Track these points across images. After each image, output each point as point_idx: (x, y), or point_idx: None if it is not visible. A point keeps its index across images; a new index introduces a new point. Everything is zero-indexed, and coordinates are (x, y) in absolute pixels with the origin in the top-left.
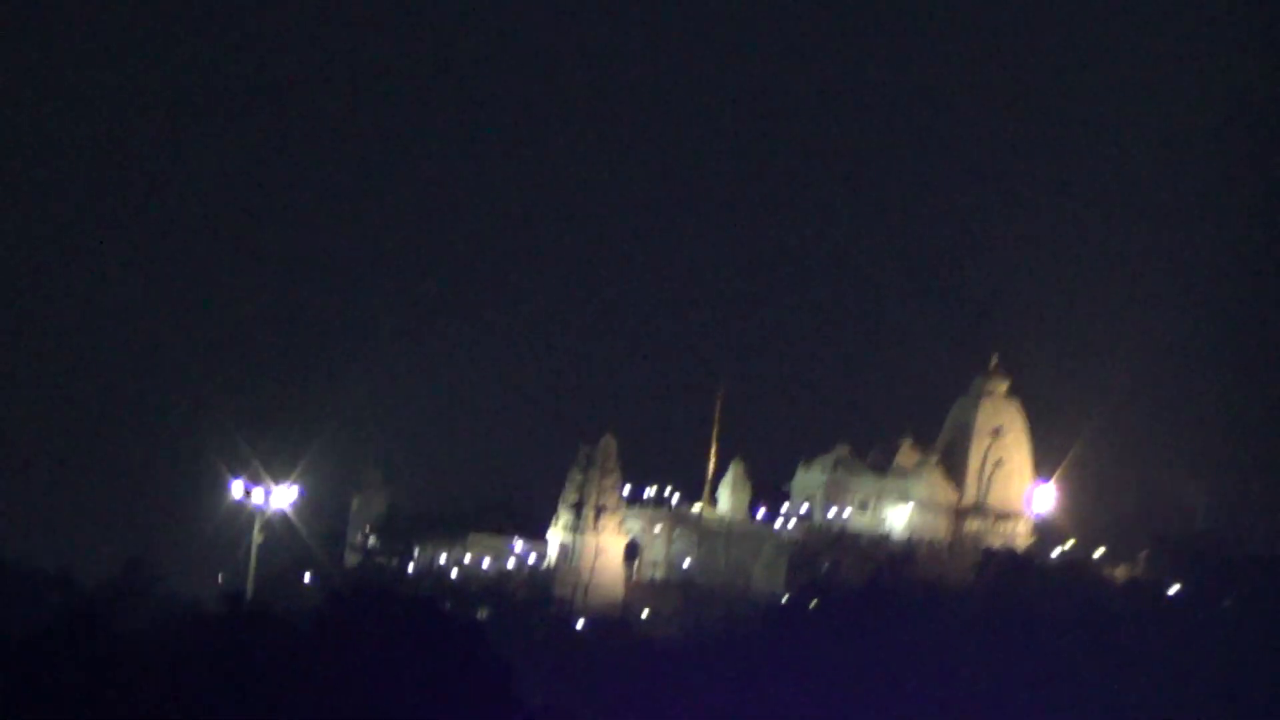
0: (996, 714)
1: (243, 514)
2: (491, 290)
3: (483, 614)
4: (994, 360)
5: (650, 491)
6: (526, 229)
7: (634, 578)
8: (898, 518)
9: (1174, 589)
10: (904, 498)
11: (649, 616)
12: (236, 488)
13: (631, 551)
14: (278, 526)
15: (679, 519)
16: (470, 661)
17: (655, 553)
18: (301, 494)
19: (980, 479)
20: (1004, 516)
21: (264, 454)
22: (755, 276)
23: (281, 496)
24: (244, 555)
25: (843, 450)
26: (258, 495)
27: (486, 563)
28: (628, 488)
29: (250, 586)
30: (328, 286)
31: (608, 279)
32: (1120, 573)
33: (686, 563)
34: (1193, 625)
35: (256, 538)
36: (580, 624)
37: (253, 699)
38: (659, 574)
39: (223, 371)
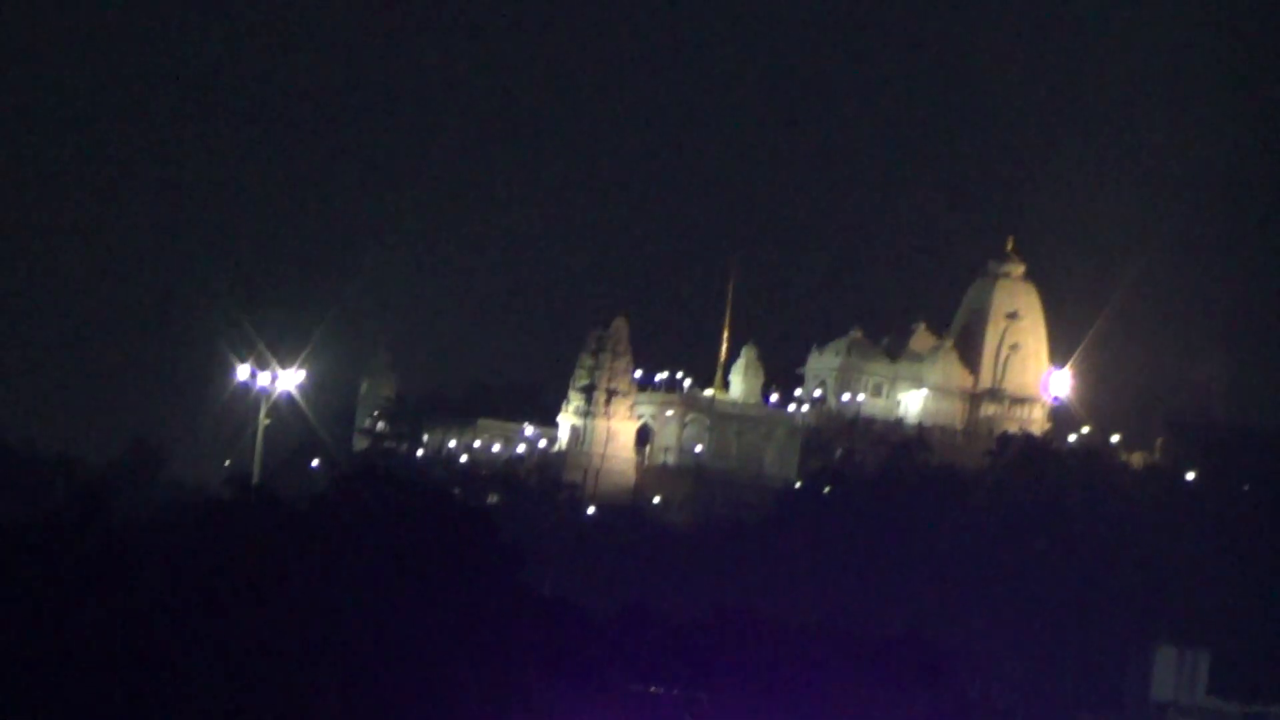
0: (1011, 600)
1: (249, 397)
2: (503, 171)
3: (492, 500)
4: (1010, 243)
5: (662, 376)
6: (538, 109)
7: (645, 463)
8: (912, 403)
9: (1190, 475)
10: (918, 382)
11: (660, 502)
12: (243, 371)
13: (643, 436)
14: (284, 410)
15: (691, 404)
16: (479, 548)
17: (667, 438)
18: (308, 378)
19: (995, 363)
20: (1019, 401)
21: (270, 337)
22: (769, 157)
23: (288, 380)
24: (250, 439)
25: (856, 334)
26: (264, 379)
27: (496, 448)
28: (639, 372)
29: (257, 470)
30: (337, 168)
31: (621, 159)
32: (1137, 459)
33: (698, 448)
34: (1210, 512)
35: (263, 421)
36: (591, 510)
37: (259, 585)
38: (670, 459)
39: (230, 255)
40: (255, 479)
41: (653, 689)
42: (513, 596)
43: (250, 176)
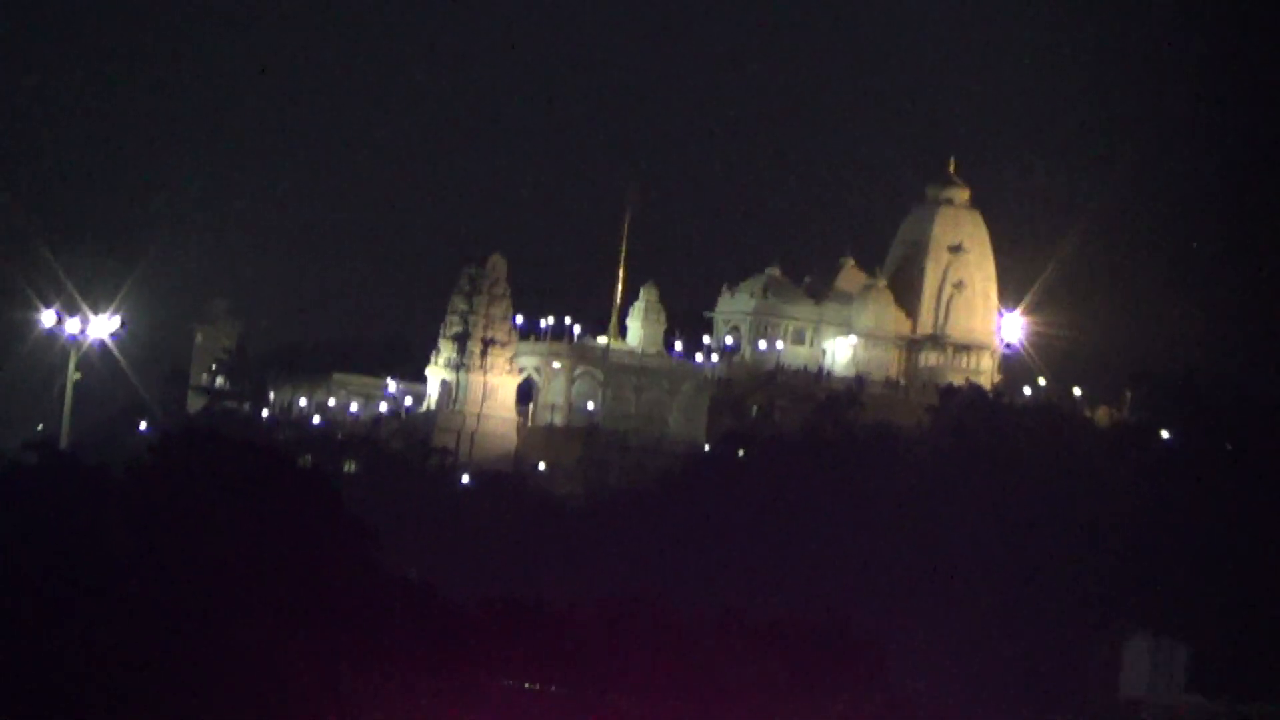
0: (955, 581)
1: (55, 348)
2: (356, 83)
3: (349, 468)
4: (951, 164)
5: (548, 322)
6: (396, 24)
7: (529, 424)
8: (840, 351)
9: (1165, 434)
10: (847, 328)
11: (546, 469)
12: (48, 317)
13: (526, 393)
14: (101, 365)
15: (581, 354)
16: (322, 522)
17: (553, 394)
18: (128, 326)
19: (937, 305)
20: (965, 349)
21: (80, 277)
22: (668, 69)
23: (100, 327)
24: (59, 397)
25: (774, 272)
26: (73, 326)
27: (355, 407)
28: (520, 318)
29: (65, 433)
30: (157, 76)
31: (491, 70)
32: (1102, 415)
33: (590, 406)
34: (1188, 478)
35: (72, 376)
36: (465, 479)
37: (62, 565)
38: (558, 419)
39: (33, 182)
40: (63, 442)
41: (529, 686)
42: (362, 579)
43: (53, 87)
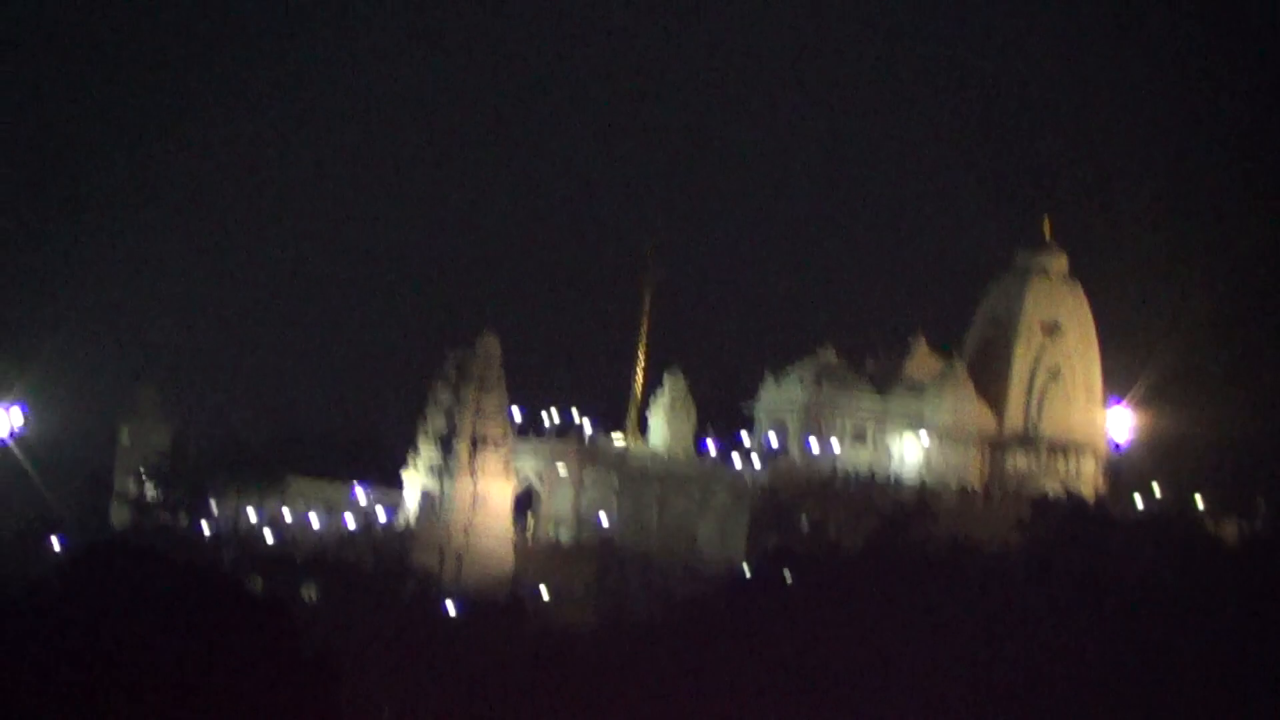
0: None
1: None
2: (321, 142)
3: (310, 593)
4: (1047, 225)
5: (551, 417)
6: (369, 78)
7: (529, 540)
8: (909, 452)
9: None
10: (918, 423)
11: (551, 596)
12: None
13: (525, 503)
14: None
15: (593, 456)
16: (274, 658)
17: (559, 504)
18: (28, 419)
19: (1028, 397)
20: (1063, 450)
21: None
22: (698, 115)
23: None
24: None
25: (828, 356)
26: None
27: (316, 519)
28: (518, 411)
29: None
30: (76, 131)
31: (486, 117)
32: (1230, 530)
33: (604, 518)
34: None
35: None
36: (450, 607)
37: None
38: (565, 535)
39: None
40: None
41: None
42: None
43: None
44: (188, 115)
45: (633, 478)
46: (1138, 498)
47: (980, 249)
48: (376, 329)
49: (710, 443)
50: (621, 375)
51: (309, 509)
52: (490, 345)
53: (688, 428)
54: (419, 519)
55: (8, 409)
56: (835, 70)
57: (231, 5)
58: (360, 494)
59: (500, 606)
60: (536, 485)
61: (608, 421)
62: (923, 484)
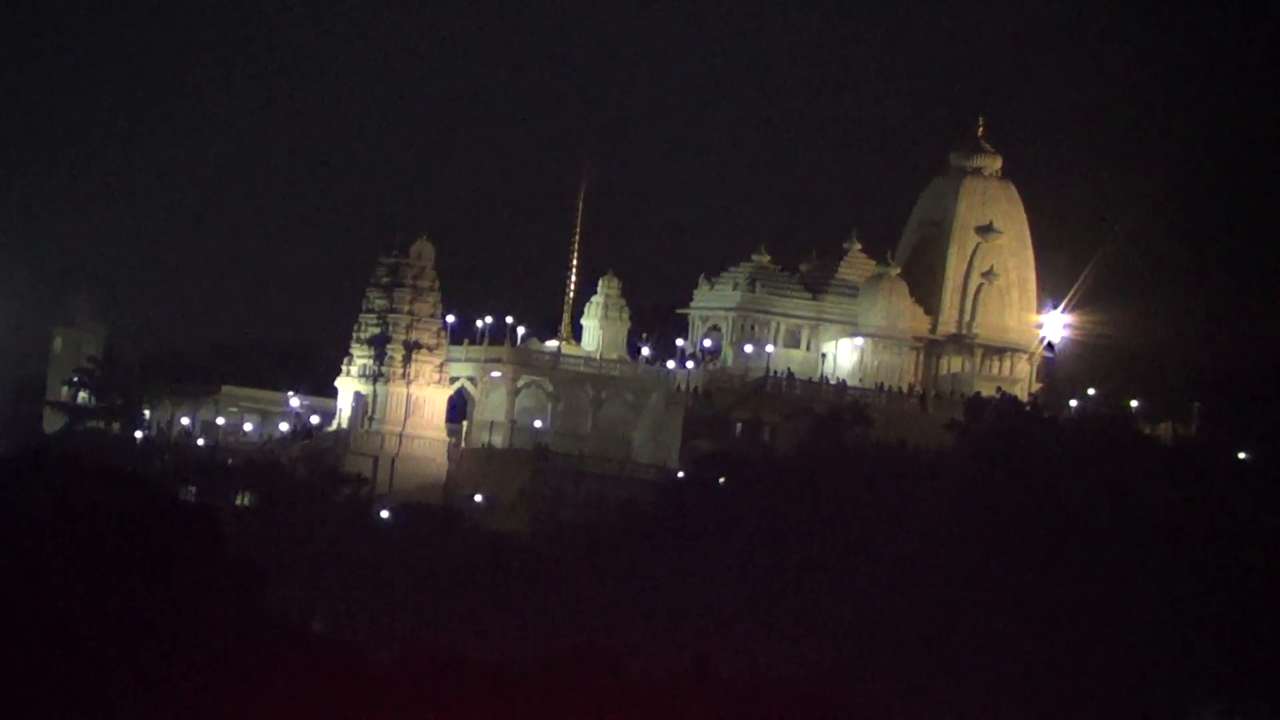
0: (985, 637)
1: None
2: (253, 48)
3: (244, 499)
4: (980, 125)
5: (485, 322)
6: None
7: (462, 445)
8: (844, 355)
9: (1241, 454)
10: (852, 326)
11: (484, 501)
12: None
13: (459, 408)
14: None
15: (527, 361)
16: (203, 566)
17: (493, 409)
18: None
19: (963, 299)
20: (997, 352)
21: None
22: (631, 22)
23: None
24: None
25: (762, 260)
26: None
27: (249, 427)
28: (451, 316)
29: None
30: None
31: (414, 31)
32: (1165, 432)
33: (538, 423)
34: (1267, 504)
35: None
36: (385, 514)
37: None
38: (498, 439)
39: None
40: None
41: None
42: (246, 631)
43: None
44: (118, 24)
45: (566, 382)
46: (1072, 401)
47: (914, 151)
48: (311, 235)
49: (644, 347)
50: (556, 281)
51: (243, 417)
52: (424, 251)
53: (622, 332)
54: (352, 424)
55: None
56: None
57: None
58: (293, 400)
59: (434, 512)
60: (470, 391)
61: (542, 327)
62: (859, 386)
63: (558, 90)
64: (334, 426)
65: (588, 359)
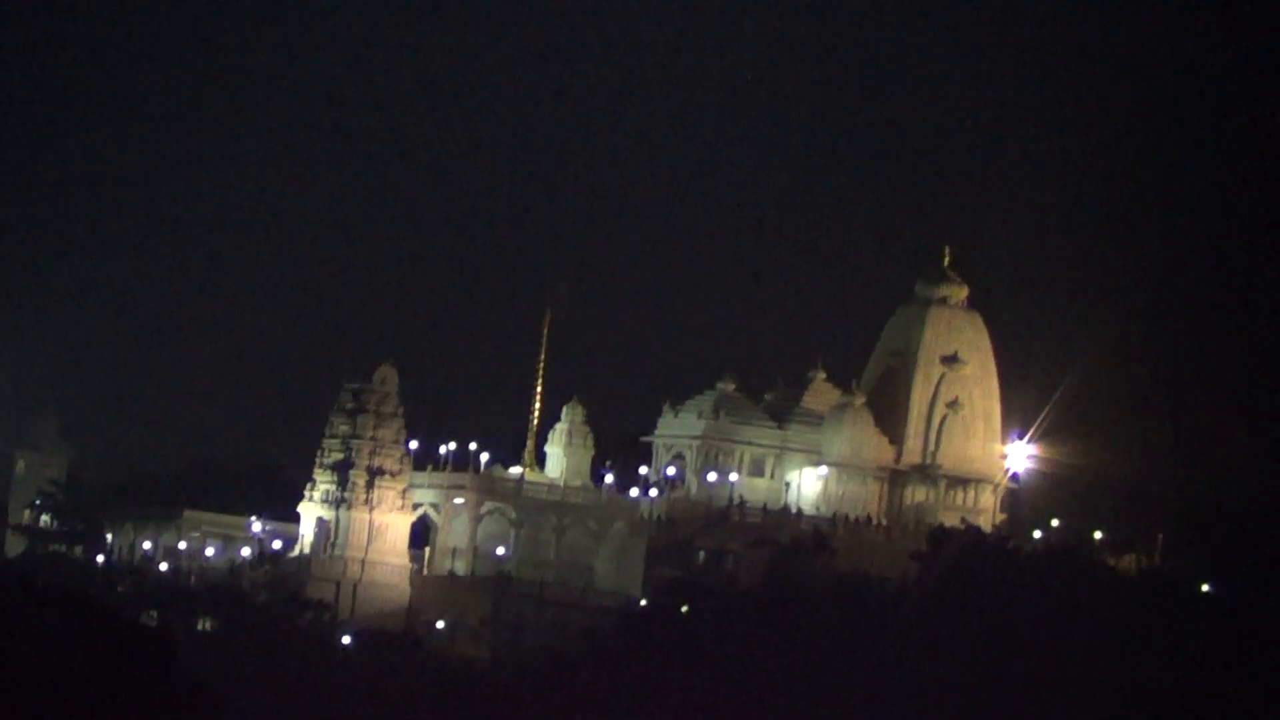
0: None
1: None
2: (215, 170)
3: (205, 624)
4: (946, 255)
5: (448, 448)
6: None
7: (425, 572)
8: (808, 484)
9: (1205, 587)
10: (816, 456)
11: (446, 628)
12: None
13: (421, 534)
14: None
15: (490, 487)
16: (159, 692)
17: (455, 536)
18: None
19: (927, 429)
20: (961, 483)
21: None
22: (598, 145)
23: None
24: None
25: (727, 388)
26: None
27: (211, 551)
28: (414, 443)
29: None
30: None
31: (380, 146)
32: (1129, 564)
33: (501, 550)
34: (1233, 636)
35: None
36: (346, 639)
37: None
38: (461, 566)
39: None
40: None
41: None
42: None
43: None
44: (73, 136)
45: (529, 509)
46: (1036, 532)
47: (880, 280)
48: (274, 361)
49: (608, 474)
50: (519, 408)
51: (205, 541)
52: (387, 377)
53: (585, 459)
54: (315, 550)
55: None
56: (731, 103)
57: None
58: (256, 525)
59: (396, 638)
60: (433, 517)
61: (506, 454)
62: (823, 517)
63: (523, 218)
64: (296, 552)
65: (551, 486)
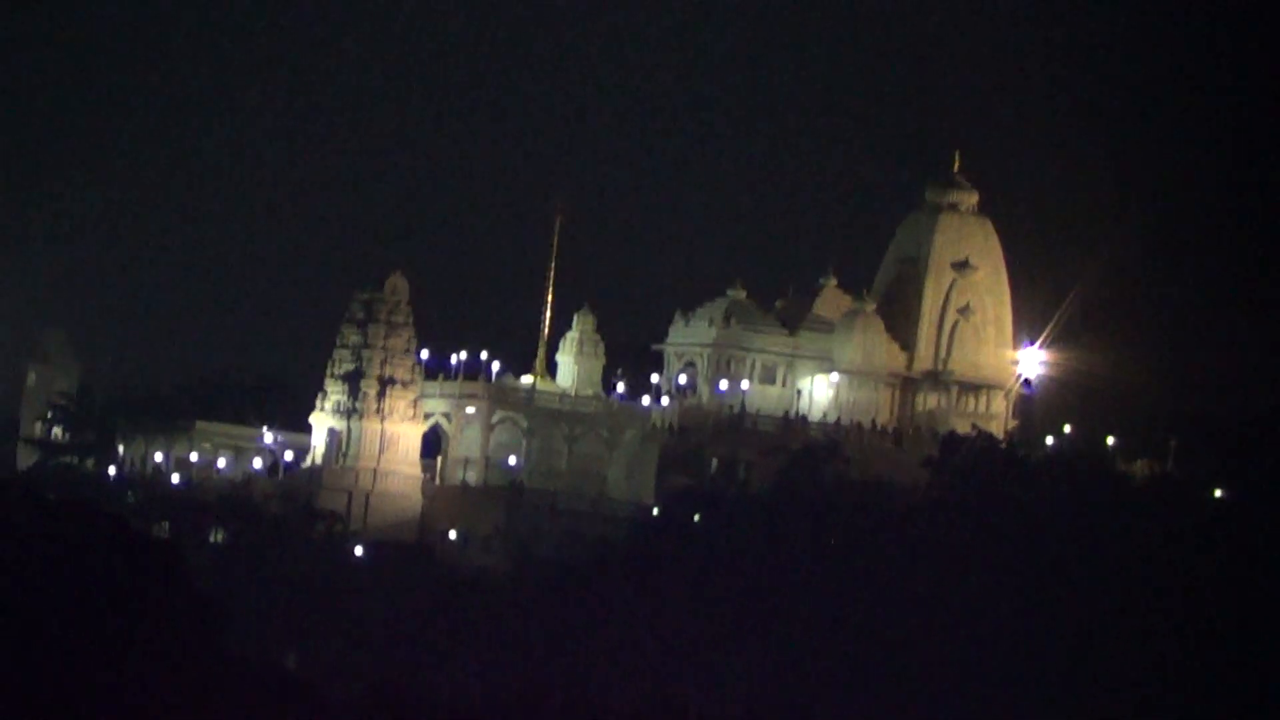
0: (960, 673)
1: None
2: (227, 84)
3: (216, 536)
4: (956, 160)
5: (459, 358)
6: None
7: (436, 481)
8: (819, 391)
9: (1218, 492)
10: (827, 363)
11: (458, 538)
12: None
13: (433, 444)
14: None
15: (501, 397)
16: (165, 602)
17: (467, 445)
18: None
19: (938, 335)
20: (973, 389)
21: None
22: (607, 55)
23: None
24: None
25: (738, 295)
26: None
27: (222, 463)
28: (426, 352)
29: None
30: None
31: (389, 61)
32: (1140, 469)
33: (513, 460)
34: (1243, 541)
35: None
36: (358, 549)
37: None
38: (473, 476)
39: None
40: None
41: None
42: (207, 669)
43: None
44: (78, 56)
45: (541, 418)
46: (1048, 438)
47: (890, 186)
48: (284, 271)
49: (619, 383)
50: (530, 317)
51: (215, 453)
52: (398, 286)
53: (596, 368)
54: (326, 461)
55: None
56: (745, 5)
57: None
58: (267, 436)
59: (408, 549)
60: (445, 427)
61: (516, 363)
62: (834, 423)
63: (532, 126)
64: (308, 462)
65: (563, 395)
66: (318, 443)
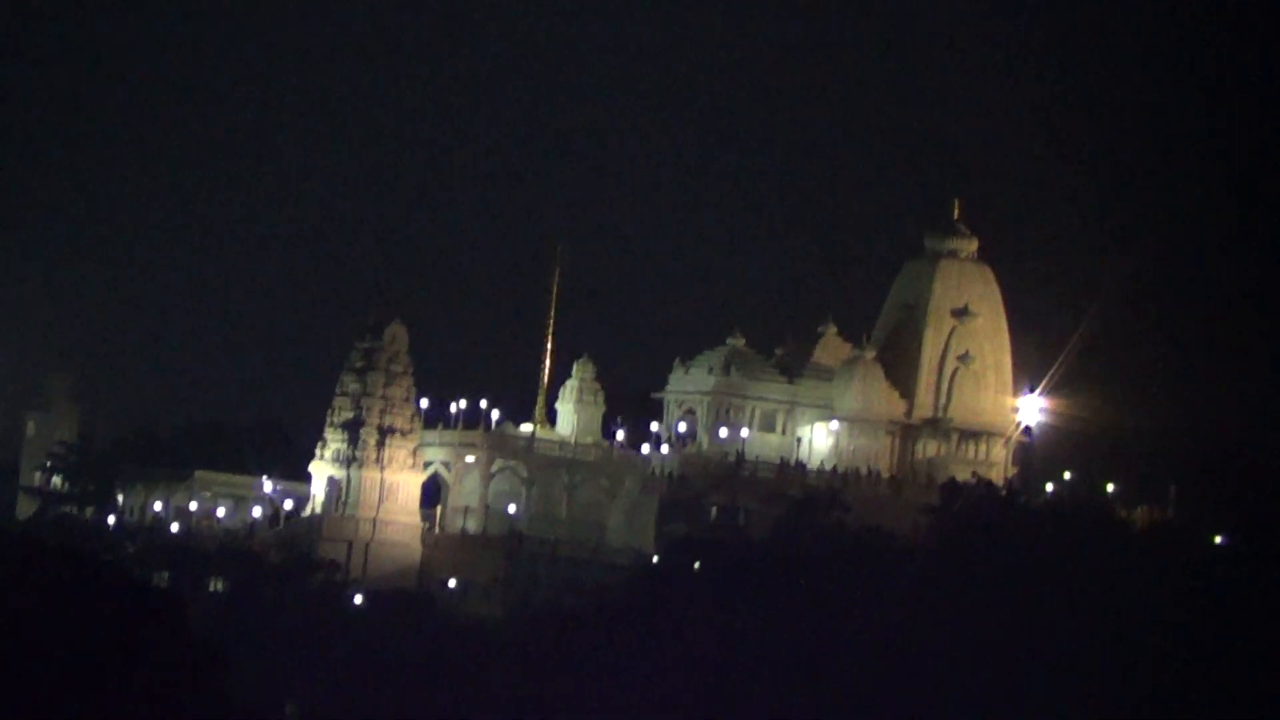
0: (964, 717)
1: None
2: (230, 127)
3: (216, 585)
4: (956, 208)
5: (459, 406)
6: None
7: (436, 530)
8: (819, 439)
9: (1218, 539)
10: (827, 410)
11: (458, 586)
12: None
13: (432, 493)
14: None
15: (501, 445)
16: (166, 651)
17: (466, 494)
18: None
19: (938, 382)
20: (972, 436)
21: None
22: (607, 103)
23: None
24: None
25: (737, 344)
26: None
27: (222, 511)
28: (425, 401)
29: None
30: None
31: (391, 106)
32: (1141, 516)
33: (512, 508)
34: (1244, 587)
35: None
36: (358, 598)
37: None
38: (472, 525)
39: None
40: None
41: None
42: (209, 718)
43: None
44: (88, 96)
45: (541, 467)
46: (1048, 485)
47: (890, 233)
48: (285, 319)
49: (619, 431)
50: (530, 365)
51: (216, 501)
52: (398, 335)
53: (596, 416)
54: (325, 510)
55: None
56: (744, 54)
57: None
58: (266, 485)
59: (408, 598)
60: (444, 475)
61: (516, 411)
62: (833, 470)
63: (532, 173)
64: (308, 511)
65: (562, 443)
66: (317, 491)
